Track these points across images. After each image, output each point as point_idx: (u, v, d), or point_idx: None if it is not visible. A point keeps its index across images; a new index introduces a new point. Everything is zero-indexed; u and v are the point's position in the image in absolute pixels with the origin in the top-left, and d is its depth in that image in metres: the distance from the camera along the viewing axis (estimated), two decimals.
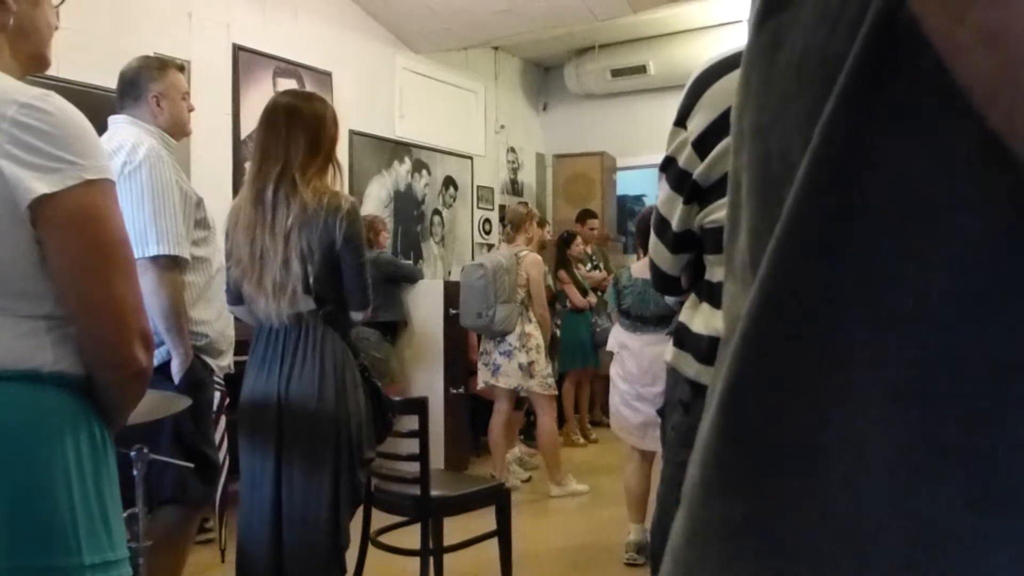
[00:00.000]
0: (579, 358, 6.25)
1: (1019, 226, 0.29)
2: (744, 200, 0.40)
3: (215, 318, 2.61)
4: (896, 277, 0.31)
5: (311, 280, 2.33)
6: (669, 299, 1.80)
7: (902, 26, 0.29)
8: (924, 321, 0.30)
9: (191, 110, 2.72)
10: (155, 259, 2.39)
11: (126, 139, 2.48)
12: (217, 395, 2.71)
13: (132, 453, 2.03)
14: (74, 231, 1.18)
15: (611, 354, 4.02)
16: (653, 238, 1.59)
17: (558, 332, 6.03)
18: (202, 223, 2.61)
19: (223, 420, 2.81)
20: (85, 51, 3.94)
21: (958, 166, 0.30)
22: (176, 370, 2.45)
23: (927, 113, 0.30)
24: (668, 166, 1.51)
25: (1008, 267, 0.29)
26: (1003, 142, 0.27)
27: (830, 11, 0.34)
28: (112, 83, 2.64)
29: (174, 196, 2.46)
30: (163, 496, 2.45)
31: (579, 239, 6.47)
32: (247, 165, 2.69)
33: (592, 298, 6.30)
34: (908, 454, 0.30)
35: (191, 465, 2.41)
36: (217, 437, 2.73)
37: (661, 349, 3.44)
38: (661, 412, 3.12)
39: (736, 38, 6.48)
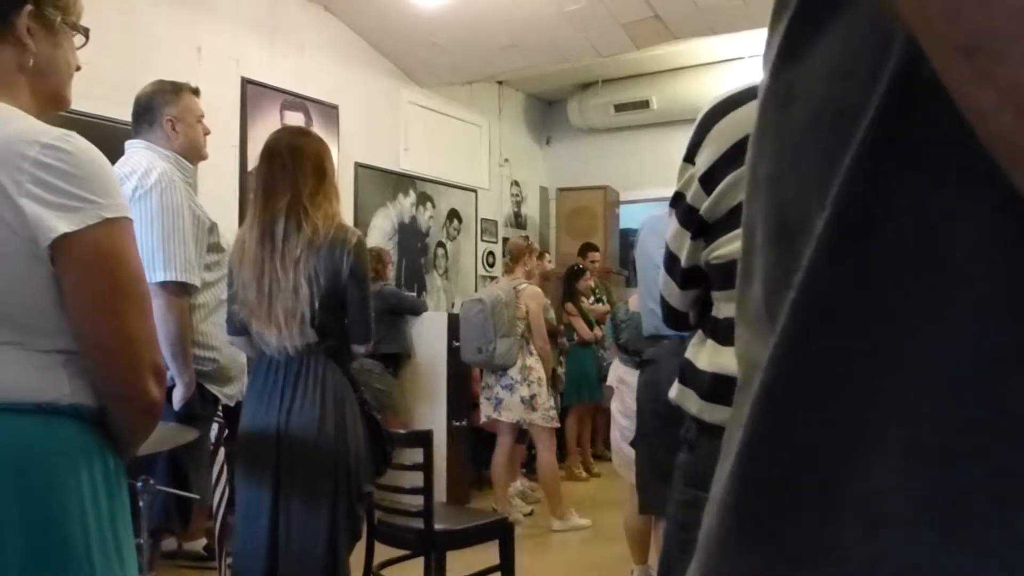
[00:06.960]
0: (584, 392, 6.24)
1: None
2: (759, 248, 0.40)
3: (226, 343, 2.58)
4: (916, 334, 0.31)
5: (316, 306, 2.33)
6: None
7: (923, 82, 0.29)
8: (943, 378, 0.30)
9: (207, 133, 2.70)
10: (164, 284, 2.38)
11: (139, 163, 2.47)
12: (216, 427, 2.69)
13: (139, 484, 2.02)
14: (92, 268, 1.20)
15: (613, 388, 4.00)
16: (663, 273, 1.60)
17: (559, 368, 6.00)
18: (215, 247, 2.61)
19: (222, 452, 2.79)
20: (95, 84, 3.96)
21: (979, 224, 0.29)
22: (178, 398, 2.44)
23: (949, 170, 0.30)
24: (677, 201, 1.52)
25: None
26: None
27: (846, 65, 0.33)
28: (122, 115, 2.65)
29: (185, 221, 2.45)
30: (152, 524, 2.42)
31: (588, 273, 6.48)
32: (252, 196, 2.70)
33: (599, 331, 6.29)
34: (930, 510, 0.30)
35: (197, 496, 2.39)
36: (215, 470, 2.71)
37: None
38: (634, 444, 3.10)
39: (737, 74, 6.55)
